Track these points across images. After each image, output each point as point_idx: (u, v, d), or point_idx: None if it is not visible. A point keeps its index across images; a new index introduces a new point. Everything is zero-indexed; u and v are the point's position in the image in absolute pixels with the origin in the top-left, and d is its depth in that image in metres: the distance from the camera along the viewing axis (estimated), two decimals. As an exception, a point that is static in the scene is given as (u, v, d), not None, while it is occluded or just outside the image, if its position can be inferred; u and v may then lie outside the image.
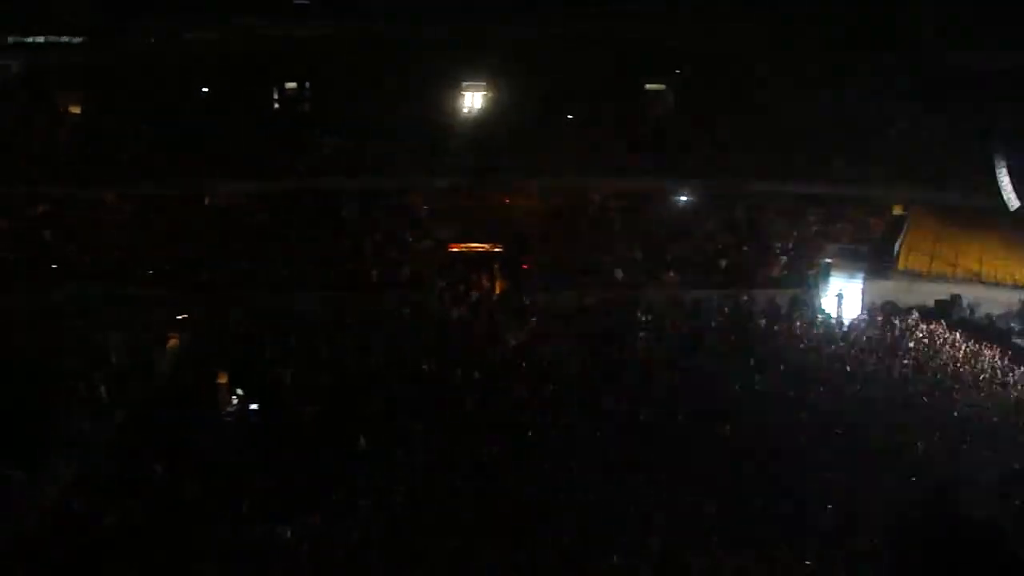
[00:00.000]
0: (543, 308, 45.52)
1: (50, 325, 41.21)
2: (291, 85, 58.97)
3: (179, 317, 43.40)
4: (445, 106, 57.23)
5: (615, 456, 30.57)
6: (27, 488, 28.50)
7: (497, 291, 49.35)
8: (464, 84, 57.92)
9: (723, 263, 49.52)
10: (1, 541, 25.55)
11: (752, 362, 38.61)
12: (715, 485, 28.64)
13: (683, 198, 54.98)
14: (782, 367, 38.22)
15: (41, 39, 57.58)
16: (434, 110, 56.09)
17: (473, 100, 57.93)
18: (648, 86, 57.84)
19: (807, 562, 24.49)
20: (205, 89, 58.63)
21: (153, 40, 57.90)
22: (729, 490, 28.36)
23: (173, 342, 41.73)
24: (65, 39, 57.87)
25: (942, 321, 43.71)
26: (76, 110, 57.27)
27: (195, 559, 24.60)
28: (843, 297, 45.26)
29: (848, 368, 38.56)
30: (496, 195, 55.59)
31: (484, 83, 58.01)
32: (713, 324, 43.81)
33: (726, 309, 45.70)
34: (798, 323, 43.76)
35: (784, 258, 50.02)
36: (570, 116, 56.78)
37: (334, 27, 56.47)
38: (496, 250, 52.07)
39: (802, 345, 41.11)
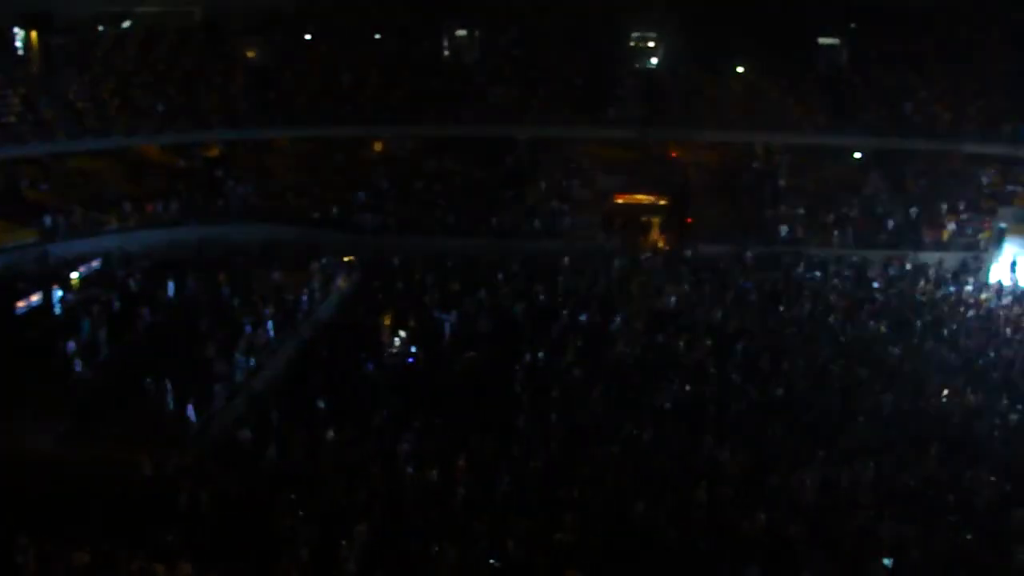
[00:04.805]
0: (705, 262, 45.56)
1: (217, 265, 42.99)
2: (460, 33, 59.67)
3: (345, 259, 44.78)
4: (614, 56, 57.29)
5: (769, 416, 30.58)
6: (198, 421, 29.82)
7: (660, 243, 49.41)
8: (633, 35, 57.95)
9: (890, 223, 48.48)
10: (176, 470, 26.58)
11: (918, 325, 38.04)
12: (874, 451, 28.47)
13: (851, 155, 54.08)
14: (947, 332, 37.50)
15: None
16: (602, 60, 56.17)
17: (642, 51, 58.00)
18: (821, 40, 56.71)
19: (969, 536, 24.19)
20: (377, 36, 59.80)
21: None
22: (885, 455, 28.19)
23: (340, 283, 43.04)
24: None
25: None
26: (252, 55, 59.01)
27: (351, 495, 25.22)
28: (1017, 263, 43.77)
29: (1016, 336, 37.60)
30: (662, 147, 55.47)
31: (654, 34, 57.97)
32: (877, 285, 43.15)
33: (891, 271, 45.00)
34: (967, 288, 42.86)
35: (954, 221, 48.47)
36: (740, 69, 56.16)
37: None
38: (660, 202, 52.13)
39: (970, 312, 40.15)
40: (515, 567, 22.22)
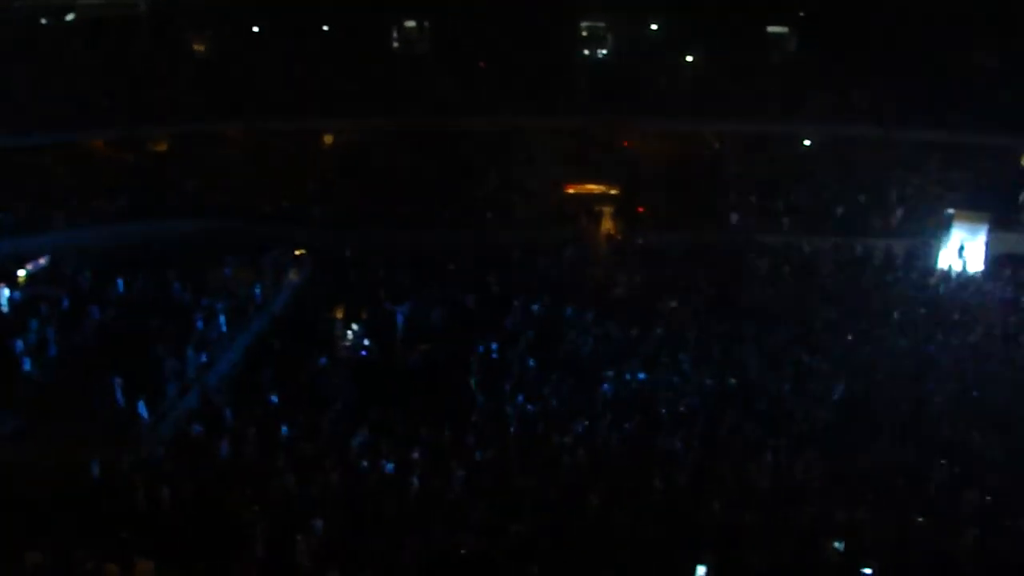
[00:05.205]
0: (656, 250, 45.66)
1: (167, 260, 42.34)
2: (410, 24, 59.45)
3: (297, 253, 44.54)
4: (564, 47, 57.27)
5: (722, 405, 30.82)
6: (150, 419, 29.50)
7: (612, 232, 49.52)
8: (583, 24, 57.96)
9: (839, 211, 48.81)
10: (130, 468, 26.31)
11: (867, 312, 38.33)
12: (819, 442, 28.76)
13: (800, 143, 54.41)
14: (896, 318, 37.78)
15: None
16: (553, 49, 56.13)
17: (592, 40, 58.04)
18: (770, 28, 57.01)
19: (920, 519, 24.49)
20: (326, 28, 59.37)
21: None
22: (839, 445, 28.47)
23: (291, 277, 42.82)
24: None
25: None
26: (200, 48, 58.45)
27: (306, 490, 25.19)
28: (965, 249, 43.92)
29: (963, 322, 37.96)
30: (613, 137, 55.54)
31: (603, 24, 58.00)
32: (827, 272, 43.45)
33: (840, 257, 45.31)
34: (915, 275, 43.25)
35: (902, 208, 48.87)
36: (689, 58, 56.41)
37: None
38: (611, 192, 52.25)
39: (919, 298, 40.47)
40: (472, 559, 22.28)
